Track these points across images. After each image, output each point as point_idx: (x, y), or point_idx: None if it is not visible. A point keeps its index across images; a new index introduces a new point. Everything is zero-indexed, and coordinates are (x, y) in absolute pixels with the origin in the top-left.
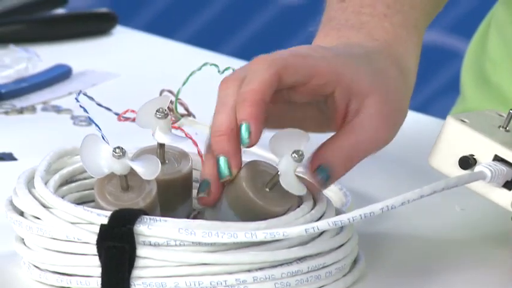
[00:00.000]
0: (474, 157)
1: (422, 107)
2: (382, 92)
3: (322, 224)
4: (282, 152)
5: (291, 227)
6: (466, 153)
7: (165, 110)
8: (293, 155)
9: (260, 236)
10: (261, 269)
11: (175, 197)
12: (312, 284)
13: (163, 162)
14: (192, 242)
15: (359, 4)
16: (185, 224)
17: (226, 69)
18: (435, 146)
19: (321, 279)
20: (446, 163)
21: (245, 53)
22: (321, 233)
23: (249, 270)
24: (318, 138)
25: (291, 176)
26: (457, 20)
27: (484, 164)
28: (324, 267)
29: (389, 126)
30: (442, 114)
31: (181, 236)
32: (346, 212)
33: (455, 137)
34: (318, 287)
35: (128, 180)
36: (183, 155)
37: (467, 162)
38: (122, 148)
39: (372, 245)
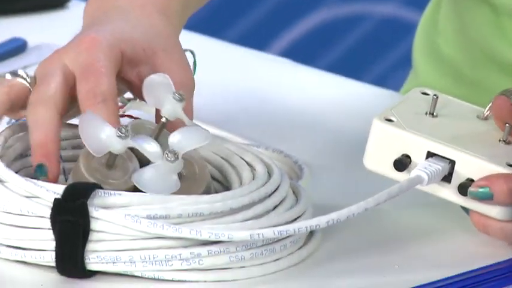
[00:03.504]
0: (408, 155)
1: (379, 80)
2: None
3: (267, 232)
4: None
5: (236, 230)
6: (399, 154)
7: (183, 94)
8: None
9: (205, 235)
10: (215, 242)
11: None
12: (267, 257)
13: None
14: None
15: None
16: (138, 198)
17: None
18: (367, 149)
19: (276, 252)
20: (381, 165)
21: (202, 26)
22: (276, 206)
23: (203, 244)
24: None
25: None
26: None
27: (420, 167)
28: (278, 240)
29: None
30: (399, 87)
31: (128, 223)
32: (302, 186)
33: (384, 139)
34: (273, 260)
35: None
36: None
37: (402, 163)
38: (127, 127)
39: None
